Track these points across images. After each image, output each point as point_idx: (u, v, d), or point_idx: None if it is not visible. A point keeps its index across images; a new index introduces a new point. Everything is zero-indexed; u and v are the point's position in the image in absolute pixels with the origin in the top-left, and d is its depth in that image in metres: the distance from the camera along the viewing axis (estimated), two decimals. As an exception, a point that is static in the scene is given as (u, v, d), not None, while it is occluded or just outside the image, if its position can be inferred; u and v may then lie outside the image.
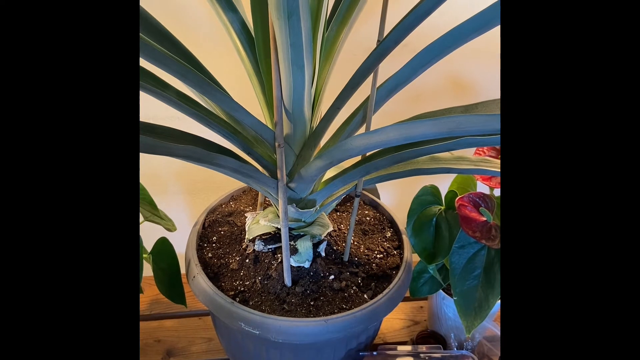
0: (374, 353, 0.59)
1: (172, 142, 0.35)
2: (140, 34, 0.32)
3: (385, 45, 0.38)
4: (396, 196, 0.93)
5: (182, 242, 0.62)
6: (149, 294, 0.79)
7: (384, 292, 0.53)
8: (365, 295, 0.54)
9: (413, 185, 0.83)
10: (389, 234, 0.64)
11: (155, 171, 0.80)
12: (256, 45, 0.44)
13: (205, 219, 0.63)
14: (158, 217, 0.61)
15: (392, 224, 0.65)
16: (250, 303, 0.52)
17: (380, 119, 0.52)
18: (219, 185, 0.85)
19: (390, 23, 0.43)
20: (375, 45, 0.42)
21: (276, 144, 0.44)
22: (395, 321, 0.79)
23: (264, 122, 0.46)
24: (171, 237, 0.63)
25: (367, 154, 0.51)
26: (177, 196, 0.85)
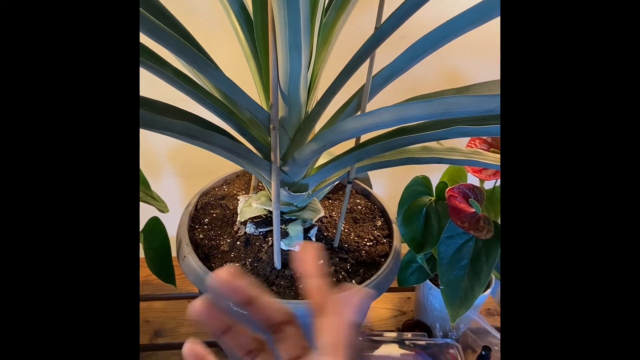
0: (360, 339, 0.60)
1: (169, 117, 0.36)
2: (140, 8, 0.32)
3: (383, 31, 0.39)
4: (388, 187, 0.94)
5: (172, 224, 0.63)
6: (139, 275, 0.80)
7: (372, 278, 0.54)
8: (353, 281, 0.55)
9: (404, 177, 0.84)
10: (379, 223, 0.65)
11: (148, 153, 0.81)
12: (254, 27, 0.44)
13: (197, 201, 0.63)
14: (151, 197, 0.61)
15: (383, 213, 0.66)
16: (240, 284, 0.53)
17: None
18: (211, 169, 0.85)
19: (387, 12, 0.44)
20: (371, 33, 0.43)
21: (271, 126, 0.44)
22: (383, 311, 0.80)
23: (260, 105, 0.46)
24: (162, 218, 0.64)
25: (360, 140, 0.52)
26: (169, 179, 0.85)
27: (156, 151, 0.81)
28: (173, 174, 0.84)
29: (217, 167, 0.84)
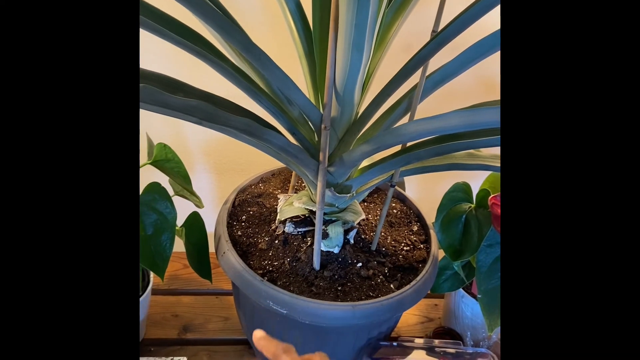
0: (394, 344, 0.60)
1: (230, 113, 0.36)
2: (211, 4, 0.32)
3: (446, 34, 0.38)
4: (419, 191, 0.93)
5: (206, 220, 0.62)
6: (169, 269, 0.80)
7: (411, 283, 0.53)
8: (391, 285, 0.55)
9: (435, 181, 0.83)
10: (415, 228, 0.64)
11: (184, 147, 0.81)
12: (312, 26, 0.44)
13: (235, 198, 0.63)
14: (189, 192, 0.61)
15: (419, 218, 0.66)
16: (278, 283, 0.53)
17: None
18: (243, 167, 0.85)
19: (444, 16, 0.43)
20: (425, 39, 0.42)
21: (322, 125, 0.44)
22: (410, 317, 0.79)
23: (310, 104, 0.46)
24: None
25: (408, 144, 0.51)
26: (201, 174, 0.86)
27: (191, 146, 0.82)
28: (206, 170, 0.85)
29: (249, 164, 0.84)
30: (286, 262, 0.55)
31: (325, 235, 0.55)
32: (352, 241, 0.58)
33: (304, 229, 0.57)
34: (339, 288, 0.53)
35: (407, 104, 0.49)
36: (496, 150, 0.54)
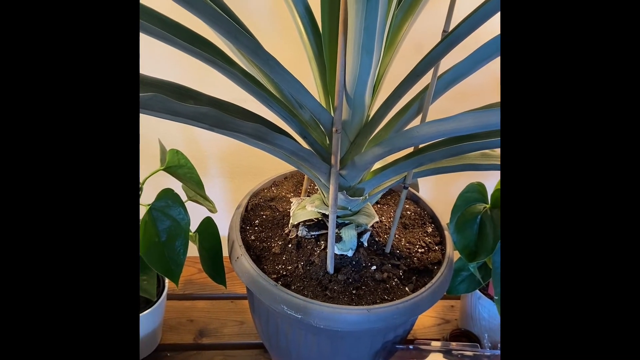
0: (410, 347, 0.59)
1: (240, 119, 0.36)
2: (218, 10, 0.32)
3: (457, 34, 0.38)
4: (433, 192, 0.92)
5: (219, 224, 0.63)
6: (183, 274, 0.80)
7: (427, 285, 0.53)
8: (406, 288, 0.54)
9: (451, 183, 0.83)
10: (430, 229, 0.63)
11: (196, 153, 0.81)
12: (321, 29, 0.44)
13: (248, 202, 0.63)
14: (202, 197, 0.62)
15: (434, 219, 0.65)
16: (292, 287, 0.52)
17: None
18: (255, 171, 0.85)
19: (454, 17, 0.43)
20: (436, 39, 0.42)
21: (333, 129, 0.44)
22: (426, 319, 0.78)
23: (321, 107, 0.46)
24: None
25: (420, 145, 0.51)
26: (213, 179, 0.86)
27: (203, 151, 0.82)
28: (218, 174, 0.85)
29: (262, 168, 0.84)
30: (300, 266, 0.55)
31: (338, 239, 0.55)
32: (365, 244, 0.57)
33: (317, 233, 0.57)
34: (354, 292, 0.52)
35: (419, 105, 0.49)
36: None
